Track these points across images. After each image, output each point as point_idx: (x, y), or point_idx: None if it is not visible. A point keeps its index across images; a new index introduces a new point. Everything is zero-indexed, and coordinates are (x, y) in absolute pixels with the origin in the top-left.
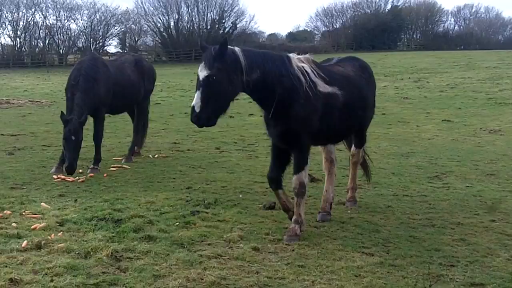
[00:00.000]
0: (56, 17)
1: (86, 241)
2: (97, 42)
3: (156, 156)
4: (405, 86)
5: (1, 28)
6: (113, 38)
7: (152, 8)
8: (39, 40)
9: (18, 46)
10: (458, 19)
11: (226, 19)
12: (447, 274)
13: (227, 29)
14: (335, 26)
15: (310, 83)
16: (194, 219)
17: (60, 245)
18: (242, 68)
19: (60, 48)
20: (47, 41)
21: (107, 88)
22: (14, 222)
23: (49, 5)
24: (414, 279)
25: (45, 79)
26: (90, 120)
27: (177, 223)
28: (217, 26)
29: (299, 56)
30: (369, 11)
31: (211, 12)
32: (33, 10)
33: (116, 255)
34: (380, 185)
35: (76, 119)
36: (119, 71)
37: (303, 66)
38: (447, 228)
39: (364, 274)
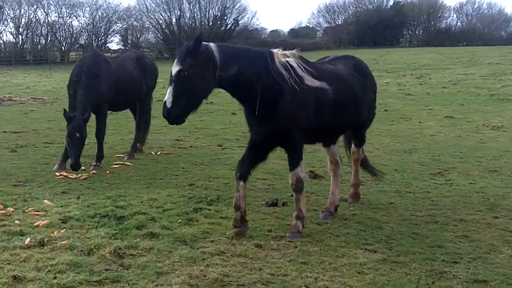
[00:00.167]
0: (58, 14)
1: (89, 238)
2: (99, 39)
3: (159, 153)
4: (407, 82)
5: (3, 25)
6: (115, 35)
7: (154, 5)
8: (41, 37)
9: (20, 43)
10: (461, 15)
11: (228, 15)
12: (450, 270)
13: (229, 26)
14: (337, 23)
15: (295, 78)
16: (197, 216)
17: (63, 242)
18: (216, 65)
19: (62, 45)
20: (49, 38)
21: (109, 84)
22: (17, 219)
23: (51, 2)
24: (417, 276)
25: (47, 76)
26: (92, 117)
27: (180, 220)
28: (219, 22)
29: (284, 52)
30: (371, 7)
31: (213, 9)
32: (35, 7)
33: (119, 252)
34: (382, 181)
35: (79, 116)
36: (121, 68)
37: (287, 61)
38: (450, 224)
39: (367, 271)
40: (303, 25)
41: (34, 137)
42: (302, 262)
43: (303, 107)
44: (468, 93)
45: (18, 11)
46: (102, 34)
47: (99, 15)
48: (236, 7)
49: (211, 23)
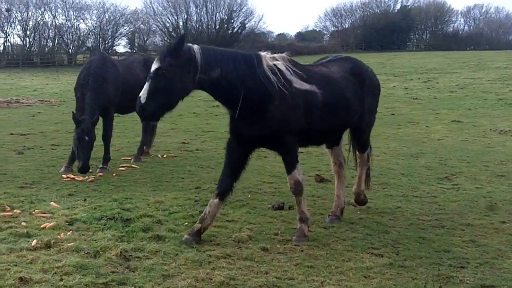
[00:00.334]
0: (65, 17)
1: (95, 240)
2: (106, 42)
3: (165, 156)
4: (414, 86)
5: (10, 28)
6: (122, 38)
7: (161, 8)
8: (48, 40)
9: (27, 45)
10: (468, 19)
11: (235, 19)
12: (457, 275)
13: (235, 29)
14: (344, 26)
15: (283, 82)
16: None
17: (70, 244)
18: (197, 67)
19: (69, 48)
20: (56, 41)
21: (116, 87)
22: (23, 221)
23: (58, 4)
24: (424, 281)
25: (54, 78)
26: (99, 120)
27: (186, 223)
28: (225, 26)
29: (273, 55)
30: (378, 11)
31: (220, 12)
32: (42, 9)
33: (125, 255)
34: (389, 186)
35: (88, 119)
36: (128, 70)
37: (275, 64)
38: (457, 229)
39: (373, 275)
40: (310, 28)
41: (41, 139)
42: (308, 266)
43: (293, 110)
44: (476, 98)
45: (25, 14)
46: (109, 37)
47: (106, 18)
48: (243, 10)
49: (218, 27)
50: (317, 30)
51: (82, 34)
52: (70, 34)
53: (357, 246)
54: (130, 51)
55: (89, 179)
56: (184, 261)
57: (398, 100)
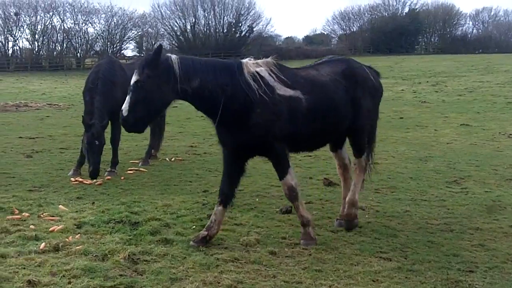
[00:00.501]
0: (74, 21)
1: (103, 243)
2: (114, 46)
3: (173, 159)
4: (423, 90)
5: (19, 32)
6: (130, 41)
7: (168, 12)
8: (57, 44)
9: (36, 49)
10: (477, 22)
11: (243, 22)
12: (466, 280)
13: (243, 33)
14: (352, 29)
15: (265, 88)
16: None
17: (78, 247)
18: (176, 77)
19: (78, 52)
20: (64, 45)
21: (125, 91)
22: (32, 224)
23: (66, 8)
24: (433, 285)
25: (62, 82)
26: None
27: (194, 227)
28: (233, 29)
29: (257, 61)
30: (386, 14)
31: (228, 16)
32: (51, 13)
33: (133, 258)
34: (398, 189)
35: (98, 123)
36: None
37: (257, 71)
38: (466, 233)
39: (382, 279)
40: (318, 32)
41: (50, 143)
42: (316, 270)
43: (276, 117)
44: (484, 101)
45: (34, 18)
46: (117, 41)
47: (114, 22)
48: (251, 14)
49: (225, 30)
50: (325, 33)
51: (90, 38)
52: (79, 38)
53: (365, 250)
54: (138, 55)
55: (97, 183)
56: (192, 264)
57: (407, 103)
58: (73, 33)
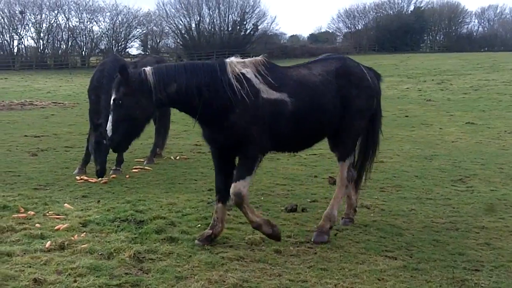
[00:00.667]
0: (79, 19)
1: (109, 242)
2: (119, 44)
3: (178, 157)
4: (428, 88)
5: (24, 30)
6: (135, 40)
7: (173, 10)
8: (61, 42)
9: (41, 48)
10: (482, 20)
11: (248, 20)
12: (471, 278)
13: (248, 31)
14: (357, 28)
15: (248, 90)
16: None
17: (83, 245)
18: (151, 88)
19: (83, 50)
20: (69, 43)
21: None
22: (37, 223)
23: (71, 7)
24: (438, 284)
25: (67, 80)
26: None
27: (199, 225)
28: (238, 27)
29: (243, 60)
30: (391, 12)
31: (232, 14)
32: (56, 12)
33: (138, 256)
34: (403, 188)
35: (105, 123)
36: None
37: (242, 73)
38: (471, 232)
39: (387, 278)
40: (323, 30)
41: (55, 141)
42: (321, 269)
43: (255, 121)
44: (490, 99)
45: (39, 16)
46: (122, 39)
47: (119, 20)
48: (256, 12)
49: (230, 28)
50: (330, 31)
51: (95, 36)
52: (83, 36)
53: (370, 248)
54: (143, 53)
55: (103, 181)
56: (197, 263)
57: (412, 102)
58: (78, 31)
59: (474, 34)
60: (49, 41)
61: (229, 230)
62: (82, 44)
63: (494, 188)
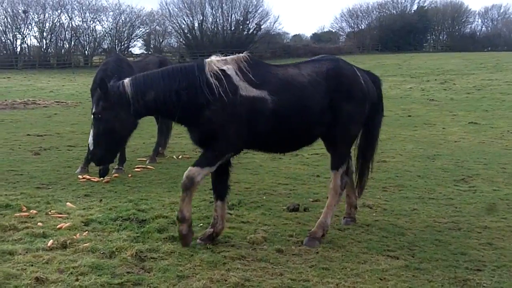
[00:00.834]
0: (82, 19)
1: (111, 241)
2: (122, 44)
3: (180, 157)
4: (431, 88)
5: (27, 29)
6: (138, 39)
7: (176, 10)
8: (64, 41)
9: (44, 47)
10: (486, 20)
11: (250, 20)
12: (473, 278)
13: (251, 30)
14: (360, 27)
15: (226, 87)
16: None
17: (85, 244)
18: (130, 100)
19: (86, 50)
20: (72, 43)
21: None
22: (40, 222)
23: (75, 6)
24: (440, 283)
25: (70, 80)
26: None
27: (201, 224)
28: (241, 27)
29: (225, 58)
30: (394, 12)
31: (235, 13)
32: (59, 11)
33: (140, 255)
34: (405, 187)
35: None
36: (143, 72)
37: (223, 70)
38: (474, 231)
39: (389, 278)
40: (325, 29)
41: (58, 140)
42: (323, 268)
43: (231, 118)
44: (493, 99)
45: (42, 16)
46: (125, 39)
47: (122, 20)
48: (259, 11)
49: (233, 28)
50: (333, 31)
51: (98, 35)
52: (86, 35)
53: (372, 248)
54: (145, 52)
55: (105, 180)
56: (199, 262)
57: (415, 101)
58: (81, 31)
59: (478, 33)
60: (52, 40)
61: (231, 229)
62: (85, 44)
63: (497, 188)
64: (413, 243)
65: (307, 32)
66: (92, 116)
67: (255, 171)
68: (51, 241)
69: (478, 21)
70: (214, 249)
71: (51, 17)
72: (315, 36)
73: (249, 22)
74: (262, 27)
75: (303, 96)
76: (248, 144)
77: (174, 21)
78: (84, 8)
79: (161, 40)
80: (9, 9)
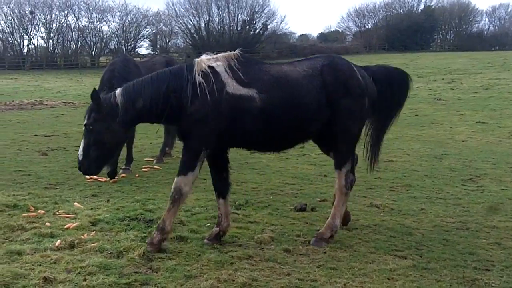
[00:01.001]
0: (89, 19)
1: (118, 240)
2: (129, 44)
3: None
4: (438, 87)
5: (34, 30)
6: (144, 39)
7: (183, 10)
8: (71, 42)
9: (51, 48)
10: (493, 19)
11: (257, 20)
12: (482, 278)
13: (257, 30)
14: (367, 27)
15: (213, 85)
16: None
17: (93, 244)
18: (120, 110)
19: (92, 50)
20: (79, 43)
21: None
22: (47, 222)
23: (81, 7)
24: (448, 283)
25: (77, 80)
26: None
27: (208, 224)
28: (247, 27)
29: (216, 56)
30: (401, 11)
31: (242, 13)
32: (65, 12)
33: (148, 255)
34: (413, 187)
35: None
36: (150, 72)
37: (212, 67)
38: (482, 231)
39: (397, 277)
40: (332, 29)
41: (65, 141)
42: (331, 268)
43: (214, 115)
44: (501, 98)
45: (49, 16)
46: (132, 39)
47: (128, 20)
48: (265, 11)
49: (239, 28)
50: (340, 30)
51: (105, 36)
52: (93, 36)
53: (380, 248)
54: (152, 53)
55: (112, 180)
56: (207, 262)
57: (422, 101)
58: (87, 31)
59: (485, 33)
60: (59, 41)
61: (238, 229)
62: (91, 44)
63: (505, 187)
64: (421, 243)
65: (314, 32)
66: (84, 127)
67: (262, 171)
68: (59, 241)
69: (485, 20)
70: (222, 249)
71: (58, 18)
72: (322, 36)
73: (256, 22)
74: (268, 27)
75: (296, 93)
76: (236, 143)
77: (181, 21)
78: (90, 8)
79: (167, 41)
80: (16, 10)
